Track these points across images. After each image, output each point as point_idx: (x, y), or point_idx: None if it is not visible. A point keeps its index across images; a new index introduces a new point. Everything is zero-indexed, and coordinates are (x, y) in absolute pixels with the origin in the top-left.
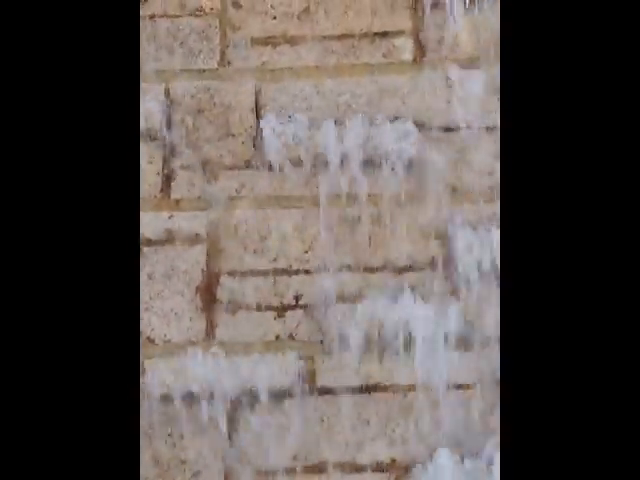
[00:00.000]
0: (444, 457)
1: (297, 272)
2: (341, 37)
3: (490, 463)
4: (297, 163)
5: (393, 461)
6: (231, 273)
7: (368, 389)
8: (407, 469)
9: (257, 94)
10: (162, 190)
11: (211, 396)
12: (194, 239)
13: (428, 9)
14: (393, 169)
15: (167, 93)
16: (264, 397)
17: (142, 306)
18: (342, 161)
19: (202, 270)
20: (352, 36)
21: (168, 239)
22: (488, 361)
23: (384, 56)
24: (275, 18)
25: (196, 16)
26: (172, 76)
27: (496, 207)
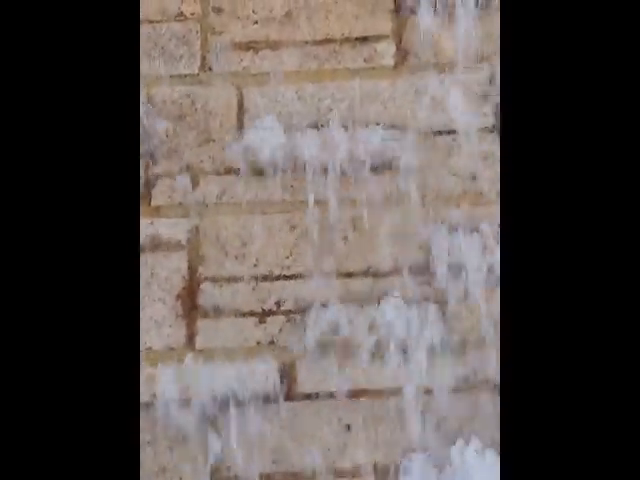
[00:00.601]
0: (425, 462)
1: (278, 278)
2: (323, 42)
3: (471, 467)
4: (278, 169)
5: (374, 466)
6: (212, 279)
7: (349, 394)
8: (388, 474)
9: (238, 99)
10: (143, 197)
11: (192, 403)
12: (175, 246)
13: (409, 14)
14: (374, 174)
15: (148, 99)
16: (245, 403)
17: None
18: (323, 166)
19: (183, 277)
20: (333, 41)
21: (149, 246)
22: (470, 365)
23: (365, 61)
24: (256, 23)
25: (177, 21)
26: (153, 82)
27: (477, 211)
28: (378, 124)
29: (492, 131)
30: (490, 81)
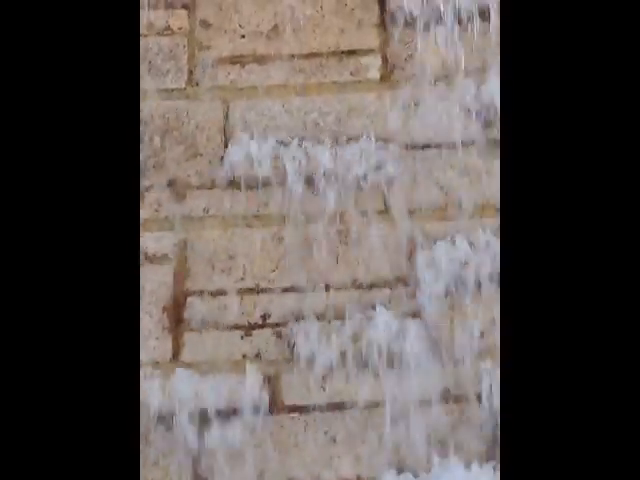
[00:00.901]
0: (410, 474)
1: (264, 291)
2: (309, 56)
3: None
4: (264, 182)
5: (359, 478)
6: (198, 293)
7: (335, 407)
8: None
9: (225, 113)
10: None
11: (178, 416)
12: (161, 259)
13: (395, 27)
14: (360, 187)
15: None
16: (231, 416)
17: None
18: (309, 180)
19: (169, 290)
20: (320, 55)
21: None
22: (455, 378)
23: (352, 74)
24: (243, 37)
25: (164, 35)
26: (140, 95)
27: (462, 224)
28: (364, 137)
29: (478, 144)
30: (475, 95)
